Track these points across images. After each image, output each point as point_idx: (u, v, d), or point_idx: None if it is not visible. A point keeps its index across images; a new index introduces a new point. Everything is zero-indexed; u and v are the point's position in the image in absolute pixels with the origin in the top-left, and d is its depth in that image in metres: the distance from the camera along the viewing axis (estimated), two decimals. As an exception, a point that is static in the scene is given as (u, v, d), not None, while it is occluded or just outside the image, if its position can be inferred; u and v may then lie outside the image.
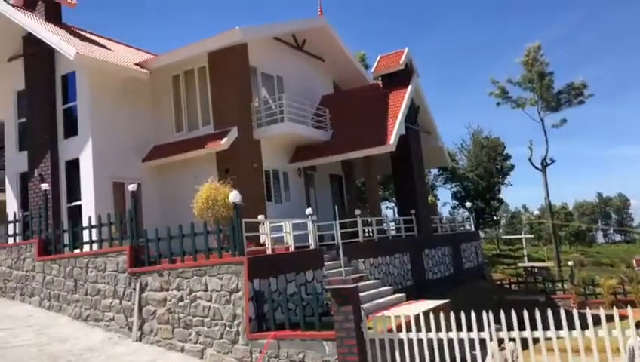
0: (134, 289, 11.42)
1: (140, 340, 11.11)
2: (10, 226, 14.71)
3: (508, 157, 44.81)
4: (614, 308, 7.44)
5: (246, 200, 11.95)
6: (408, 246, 16.57)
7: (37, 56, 16.26)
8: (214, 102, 16.31)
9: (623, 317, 7.09)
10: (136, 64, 16.60)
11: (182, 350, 10.51)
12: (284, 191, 17.80)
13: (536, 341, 7.51)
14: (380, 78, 19.43)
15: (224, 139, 15.15)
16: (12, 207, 16.77)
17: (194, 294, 10.54)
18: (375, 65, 19.38)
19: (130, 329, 11.37)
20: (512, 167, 44.92)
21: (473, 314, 7.86)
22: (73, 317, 12.28)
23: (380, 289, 13.17)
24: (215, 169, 15.50)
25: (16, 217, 15.05)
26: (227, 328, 9.99)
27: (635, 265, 36.28)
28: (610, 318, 7.02)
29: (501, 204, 48.93)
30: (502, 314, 7.67)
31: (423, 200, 18.81)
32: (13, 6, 16.42)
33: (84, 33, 17.97)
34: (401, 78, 18.54)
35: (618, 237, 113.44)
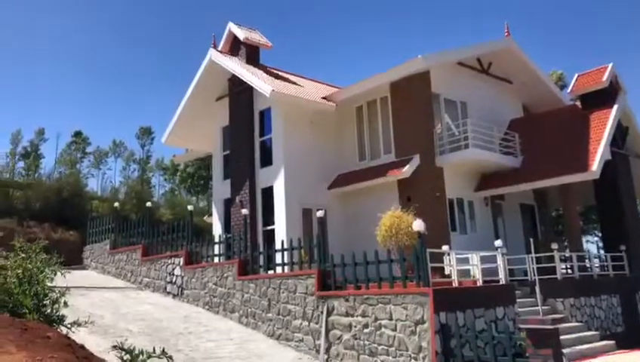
0: (322, 312, 11.77)
1: (326, 363, 11.35)
2: (217, 247, 16.46)
3: None
4: None
5: (429, 229, 11.60)
6: (618, 287, 14.47)
7: (239, 95, 18.27)
8: (396, 131, 16.42)
9: None
10: (323, 98, 17.59)
11: (366, 378, 10.45)
12: (470, 220, 16.99)
13: None
14: (578, 99, 17.61)
15: (406, 167, 15.11)
16: (217, 230, 18.84)
17: (378, 322, 10.47)
18: (572, 85, 17.67)
19: (317, 351, 11.71)
20: None
21: None
22: (267, 334, 13.10)
23: (584, 333, 11.65)
24: (397, 197, 15.51)
25: (221, 239, 16.80)
26: (412, 360, 9.68)
27: None
28: None
29: None
30: None
31: (635, 234, 16.32)
32: (220, 52, 18.77)
33: (277, 72, 19.72)
34: (604, 96, 16.58)
35: None
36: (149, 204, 21.26)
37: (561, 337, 9.46)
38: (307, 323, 12.13)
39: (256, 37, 19.31)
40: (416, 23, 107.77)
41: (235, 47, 19.28)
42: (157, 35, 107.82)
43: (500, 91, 20.00)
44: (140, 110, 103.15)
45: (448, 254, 11.58)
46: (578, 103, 17.66)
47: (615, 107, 16.14)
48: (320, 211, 13.06)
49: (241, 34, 18.84)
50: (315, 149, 17.47)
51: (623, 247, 15.34)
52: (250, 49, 19.03)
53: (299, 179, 16.52)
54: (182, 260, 16.47)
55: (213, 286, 15.20)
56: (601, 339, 11.63)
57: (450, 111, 17.75)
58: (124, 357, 3.94)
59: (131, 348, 3.99)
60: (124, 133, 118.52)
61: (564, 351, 8.66)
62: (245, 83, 17.32)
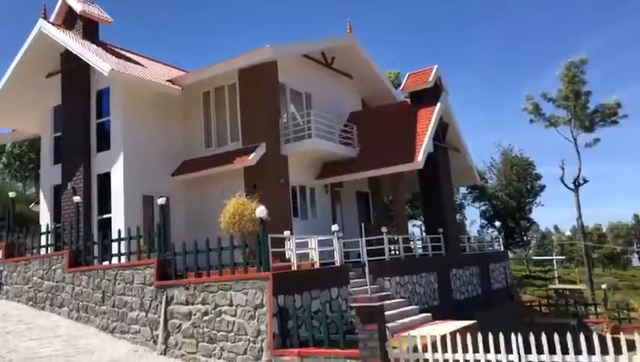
0: (160, 302, 11.50)
1: (165, 354, 11.15)
2: (44, 237, 15.06)
3: (539, 176, 43.87)
4: (651, 334, 7.12)
5: (272, 215, 12.00)
6: (435, 266, 16.32)
7: (73, 72, 16.80)
8: (243, 118, 16.52)
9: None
10: (168, 80, 16.97)
11: (205, 364, 10.50)
12: (311, 207, 17.82)
13: (567, 366, 7.24)
14: (409, 96, 19.37)
15: (252, 155, 15.30)
16: (45, 219, 17.23)
17: (219, 309, 10.56)
18: (404, 83, 19.36)
19: (155, 342, 11.43)
20: (543, 187, 43.94)
21: (502, 336, 7.64)
22: (100, 328, 12.42)
23: (406, 308, 12.98)
24: (243, 184, 15.66)
25: (49, 228, 15.42)
26: (251, 344, 9.95)
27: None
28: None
29: (531, 224, 47.76)
30: (531, 337, 7.44)
31: (450, 219, 18.55)
32: (52, 24, 17.05)
33: (119, 50, 18.51)
34: (430, 95, 18.45)
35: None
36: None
37: (387, 313, 10.46)
38: (145, 314, 11.76)
39: (95, 11, 17.85)
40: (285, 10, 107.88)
41: (70, 20, 17.62)
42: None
43: (342, 85, 21.16)
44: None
45: (289, 239, 12.05)
46: (409, 100, 19.42)
47: (438, 105, 18.06)
48: (161, 198, 12.67)
49: (77, 6, 17.25)
50: (159, 134, 16.82)
51: (440, 230, 17.35)
52: (88, 23, 17.54)
53: (140, 165, 15.78)
54: (1, 253, 14.80)
55: (39, 280, 13.96)
56: (420, 312, 13.07)
57: (296, 102, 18.36)
58: None
59: None
60: None
61: (389, 325, 9.55)
62: (81, 60, 15.97)
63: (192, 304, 11.00)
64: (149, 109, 16.58)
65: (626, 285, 48.61)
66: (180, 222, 16.31)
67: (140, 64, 18.03)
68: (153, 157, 16.37)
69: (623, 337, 7.17)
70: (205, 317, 10.73)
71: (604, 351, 7.00)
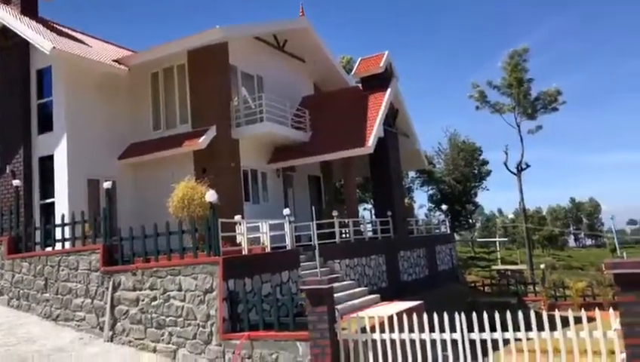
0: (107, 288, 11.25)
1: (112, 340, 10.94)
2: (-20, 223, 14.35)
3: (485, 162, 45.40)
4: (582, 310, 7.59)
5: (223, 199, 11.90)
6: (384, 248, 16.67)
7: (11, 49, 15.93)
8: (193, 101, 16.20)
9: (590, 319, 7.24)
10: (114, 60, 16.38)
11: (154, 350, 10.39)
12: (262, 191, 17.77)
13: (506, 342, 7.62)
14: (360, 81, 19.50)
15: (202, 138, 15.07)
16: (-18, 204, 16.39)
17: (167, 294, 10.44)
18: (355, 68, 19.45)
19: (101, 329, 11.19)
20: (489, 172, 45.55)
21: (446, 316, 7.95)
22: (43, 316, 12.04)
23: (355, 290, 13.22)
24: (192, 168, 15.43)
25: (-14, 214, 14.69)
26: (200, 328, 9.91)
27: (603, 268, 37.03)
28: (578, 320, 7.18)
29: (477, 207, 49.58)
30: (474, 316, 7.78)
31: (399, 202, 18.94)
32: (-13, -2, 16.08)
33: (61, 28, 17.68)
34: (380, 81, 18.64)
35: (589, 242, 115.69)
36: None
37: (336, 295, 10.64)
38: (90, 301, 11.48)
39: (33, -16, 16.94)
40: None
41: (5, -7, 16.67)
42: None
43: (294, 68, 21.06)
44: None
45: (240, 223, 12.00)
46: (360, 85, 19.56)
47: (388, 91, 18.29)
48: (107, 182, 12.31)
49: (13, -22, 16.33)
50: (105, 116, 16.25)
51: (389, 213, 17.71)
52: (26, -3, 16.64)
53: (84, 148, 15.23)
54: None
55: (-24, 268, 13.32)
56: (369, 294, 13.35)
57: (248, 85, 18.14)
58: None
59: None
60: None
61: (338, 306, 9.73)
62: (19, 36, 15.16)
63: (140, 290, 10.82)
64: (95, 90, 15.98)
65: (563, 265, 51.34)
66: (127, 207, 15.93)
67: (85, 43, 17.32)
68: (99, 140, 15.82)
69: (557, 314, 7.60)
70: (153, 303, 10.58)
71: (541, 328, 7.41)
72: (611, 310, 7.15)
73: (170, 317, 10.31)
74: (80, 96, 15.42)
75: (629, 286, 6.49)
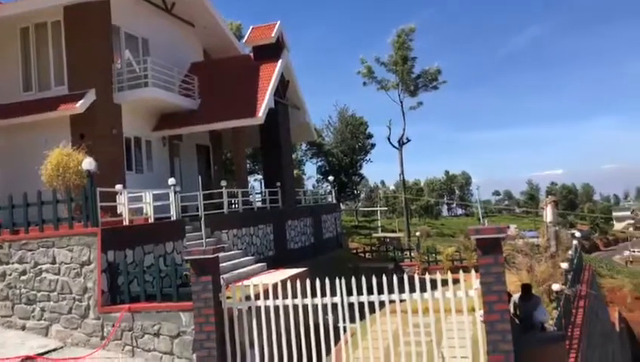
0: (-33, 263, 10.25)
1: (-26, 319, 10.06)
2: None
3: (370, 135, 47.28)
4: (449, 272, 8.35)
5: (103, 168, 11.26)
6: (272, 218, 16.88)
7: None
8: (70, 61, 14.99)
9: (456, 281, 7.99)
10: (-27, 10, 14.59)
11: (23, 328, 9.75)
12: (147, 160, 17.04)
13: (383, 304, 8.18)
14: (251, 50, 19.23)
15: (80, 102, 14.09)
16: None
17: (39, 267, 9.79)
18: (247, 36, 19.14)
19: (-39, 307, 10.22)
20: (373, 145, 47.54)
21: (327, 281, 8.32)
22: None
23: (242, 259, 13.32)
24: (69, 134, 14.39)
25: None
26: (77, 302, 9.46)
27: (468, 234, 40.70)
28: (446, 282, 7.90)
29: (362, 179, 51.72)
30: (353, 281, 8.23)
31: (288, 173, 19.22)
32: None
33: None
34: (272, 51, 18.53)
35: (460, 211, 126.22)
36: None
37: (222, 264, 10.67)
38: (-53, 277, 10.39)
39: None
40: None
41: None
42: None
43: (183, 33, 20.19)
44: None
45: (121, 193, 11.47)
46: (252, 54, 19.29)
47: (280, 61, 18.27)
48: (-34, 146, 11.08)
49: None
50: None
51: (278, 184, 17.92)
52: None
53: (-63, 107, 13.51)
54: None
55: None
56: (256, 263, 13.52)
57: (132, 47, 17.09)
58: None
59: None
60: None
61: (224, 276, 9.75)
62: None
63: (7, 264, 10.05)
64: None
65: (437, 232, 55.58)
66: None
67: None
68: (-45, 99, 14.12)
69: (428, 277, 8.29)
70: (23, 277, 9.89)
71: (413, 290, 8.05)
72: (473, 271, 7.94)
73: (43, 292, 9.71)
74: None
75: (487, 250, 7.27)
